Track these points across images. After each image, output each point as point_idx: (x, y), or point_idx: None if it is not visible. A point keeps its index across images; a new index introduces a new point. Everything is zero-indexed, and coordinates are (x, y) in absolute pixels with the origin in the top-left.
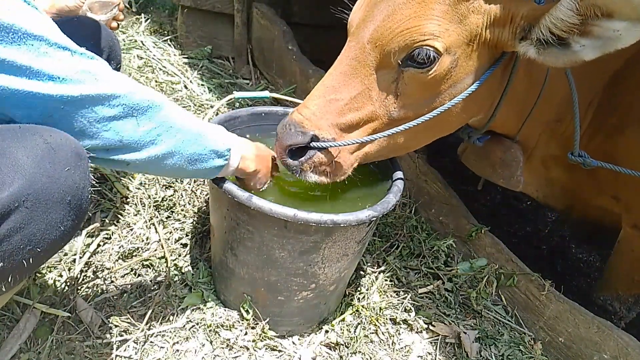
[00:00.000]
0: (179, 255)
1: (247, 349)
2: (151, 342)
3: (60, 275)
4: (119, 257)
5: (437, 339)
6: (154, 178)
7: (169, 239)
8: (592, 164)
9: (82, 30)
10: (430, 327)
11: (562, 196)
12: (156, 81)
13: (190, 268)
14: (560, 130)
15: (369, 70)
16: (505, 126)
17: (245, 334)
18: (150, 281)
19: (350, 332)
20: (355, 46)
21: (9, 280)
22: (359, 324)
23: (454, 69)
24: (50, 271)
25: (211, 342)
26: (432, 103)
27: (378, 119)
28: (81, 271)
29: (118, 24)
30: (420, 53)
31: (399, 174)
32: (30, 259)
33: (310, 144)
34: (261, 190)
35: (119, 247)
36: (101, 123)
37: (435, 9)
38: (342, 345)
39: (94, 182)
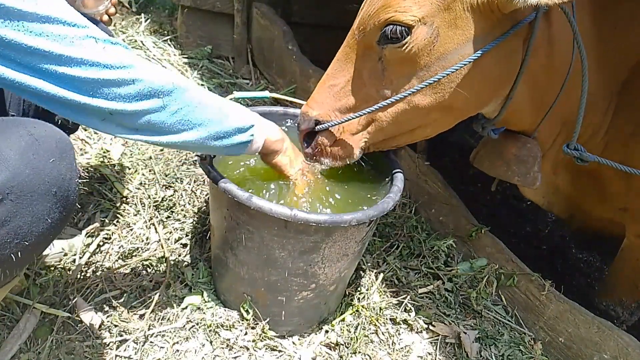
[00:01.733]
0: (179, 255)
1: (247, 349)
2: (151, 342)
3: (60, 276)
4: (118, 257)
5: (437, 339)
6: (153, 178)
7: (168, 239)
8: (589, 159)
9: None
10: (430, 327)
11: (565, 205)
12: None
13: (190, 268)
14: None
15: (357, 53)
16: (522, 122)
17: (245, 334)
18: (150, 281)
19: (350, 332)
20: (349, 35)
21: None
22: (359, 324)
23: (436, 40)
24: (50, 271)
25: (211, 342)
26: (422, 77)
27: (372, 99)
28: (81, 271)
29: (110, 18)
30: (388, 30)
31: (399, 174)
32: (19, 253)
33: (316, 128)
34: (297, 178)
35: (119, 247)
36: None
37: None
38: (342, 345)
39: (84, 174)
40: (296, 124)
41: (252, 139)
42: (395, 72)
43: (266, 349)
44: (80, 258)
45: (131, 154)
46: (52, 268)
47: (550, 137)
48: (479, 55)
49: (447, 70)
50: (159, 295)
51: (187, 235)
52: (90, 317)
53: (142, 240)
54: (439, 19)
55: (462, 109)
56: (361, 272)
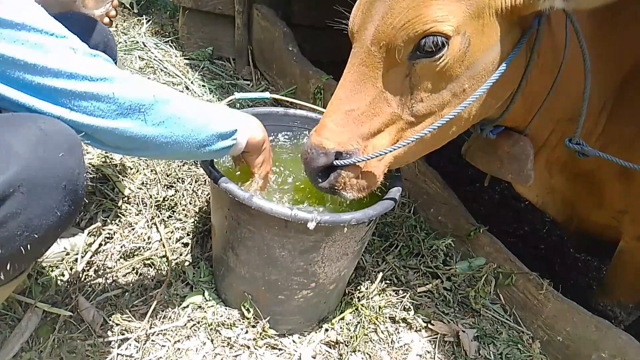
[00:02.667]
0: (180, 255)
1: (248, 347)
2: (152, 340)
3: (62, 275)
4: (120, 257)
5: (436, 338)
6: (155, 178)
7: (170, 239)
8: (591, 153)
9: (76, 26)
10: (429, 326)
11: (561, 206)
12: (157, 82)
13: (191, 267)
14: (571, 133)
15: (378, 72)
16: (514, 119)
17: (246, 332)
18: (152, 280)
19: (350, 330)
20: (359, 51)
21: (8, 268)
22: (358, 322)
23: (468, 49)
24: (52, 270)
25: (212, 340)
26: (453, 89)
27: (400, 119)
28: (83, 270)
29: (111, 20)
30: (427, 42)
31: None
32: (28, 246)
33: (335, 162)
34: (261, 180)
35: (121, 247)
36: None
37: None
38: (342, 343)
39: (89, 173)
40: (304, 158)
41: (235, 143)
42: (426, 87)
43: (267, 347)
44: (82, 257)
45: None
46: (54, 267)
47: (543, 135)
48: (508, 62)
49: (487, 82)
50: (161, 294)
51: (188, 235)
52: (92, 316)
53: (144, 240)
54: (470, 28)
55: (476, 117)
56: (361, 271)
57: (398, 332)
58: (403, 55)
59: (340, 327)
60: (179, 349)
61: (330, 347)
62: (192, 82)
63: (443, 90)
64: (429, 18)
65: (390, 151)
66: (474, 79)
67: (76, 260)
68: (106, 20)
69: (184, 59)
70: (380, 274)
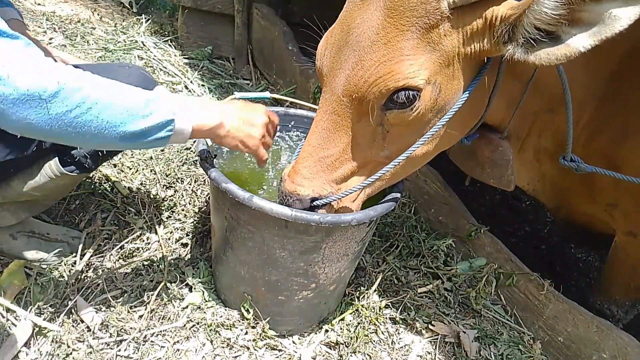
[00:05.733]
0: (180, 255)
1: (248, 348)
2: (152, 341)
3: (61, 275)
4: (119, 257)
5: (437, 339)
6: (154, 178)
7: (169, 239)
8: (586, 170)
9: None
10: (430, 327)
11: (551, 194)
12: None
13: (190, 268)
14: (554, 123)
15: (350, 121)
16: (494, 118)
17: (246, 333)
18: (151, 281)
19: (350, 331)
20: (331, 98)
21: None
22: (358, 323)
23: (439, 95)
24: (51, 271)
25: (211, 341)
26: (423, 130)
27: (372, 161)
28: (82, 271)
29: None
30: (400, 96)
31: None
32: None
33: (312, 204)
34: (259, 153)
35: (120, 247)
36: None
37: (403, 47)
38: (342, 344)
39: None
40: (279, 201)
41: (172, 134)
42: (399, 134)
43: (266, 348)
44: (81, 258)
45: (132, 154)
46: (53, 268)
47: (524, 127)
48: (466, 98)
49: (443, 118)
50: (160, 295)
51: (187, 235)
52: (90, 316)
53: (143, 240)
54: (441, 76)
55: (452, 141)
56: (361, 271)
57: (398, 333)
58: (375, 107)
59: (341, 328)
60: (178, 349)
61: (331, 348)
62: (191, 82)
63: (416, 134)
64: (400, 75)
65: (361, 188)
66: (445, 117)
67: (75, 261)
68: None
69: (183, 58)
70: (381, 275)
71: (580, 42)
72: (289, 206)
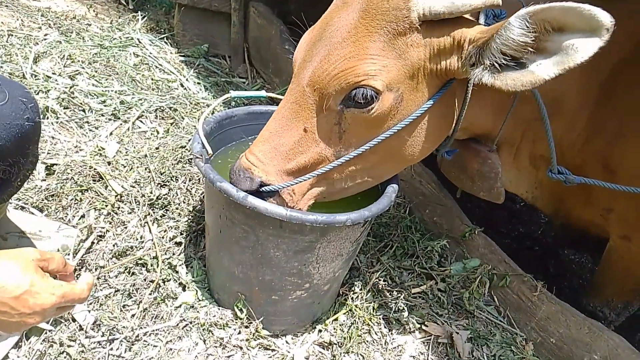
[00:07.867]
0: (173, 254)
1: (241, 347)
2: (145, 341)
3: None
4: (112, 256)
5: (430, 339)
6: (149, 176)
7: (163, 238)
8: (575, 181)
9: None
10: (423, 327)
11: (549, 200)
12: (152, 79)
13: (184, 267)
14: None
15: (310, 113)
16: (482, 127)
17: (239, 332)
18: (144, 280)
19: (343, 331)
20: (295, 89)
21: None
22: (352, 323)
23: (400, 104)
24: None
25: (204, 340)
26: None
27: (326, 160)
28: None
29: None
30: (357, 93)
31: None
32: None
33: (261, 189)
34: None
35: (113, 246)
36: None
37: (370, 47)
38: (336, 344)
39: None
40: (230, 177)
41: None
42: (355, 134)
43: (259, 347)
44: (74, 256)
45: (126, 152)
46: None
47: (518, 133)
48: (420, 114)
49: (391, 129)
50: (153, 294)
51: (181, 234)
52: (83, 315)
53: (137, 239)
54: (404, 85)
55: (417, 157)
56: (355, 271)
57: (392, 333)
58: (334, 102)
59: (334, 328)
60: (170, 349)
61: (324, 348)
62: (187, 80)
63: (373, 138)
64: (360, 71)
65: (310, 178)
66: (409, 129)
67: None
68: None
69: (179, 56)
70: (375, 275)
71: (545, 70)
72: (237, 183)
